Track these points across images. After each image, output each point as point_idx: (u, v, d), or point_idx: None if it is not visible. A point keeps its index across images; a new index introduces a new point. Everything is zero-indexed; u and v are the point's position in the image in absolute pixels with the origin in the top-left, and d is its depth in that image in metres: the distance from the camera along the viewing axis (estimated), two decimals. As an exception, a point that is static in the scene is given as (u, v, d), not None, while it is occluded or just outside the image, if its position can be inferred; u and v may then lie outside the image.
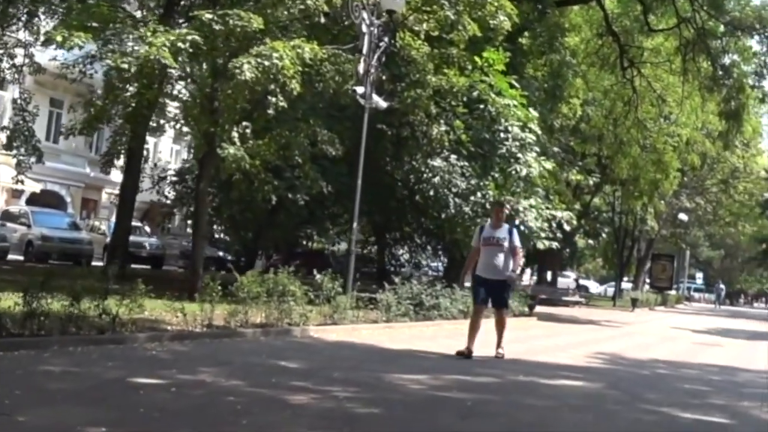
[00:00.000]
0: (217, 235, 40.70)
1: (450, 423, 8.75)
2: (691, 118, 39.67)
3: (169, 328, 14.69)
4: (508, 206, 23.71)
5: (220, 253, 41.99)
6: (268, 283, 17.10)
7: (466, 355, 14.88)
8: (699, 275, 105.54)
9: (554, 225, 29.79)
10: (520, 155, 26.07)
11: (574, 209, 40.82)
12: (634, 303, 49.81)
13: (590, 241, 63.59)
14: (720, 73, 34.27)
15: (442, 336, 19.84)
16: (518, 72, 28.86)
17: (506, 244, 15.21)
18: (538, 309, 36.24)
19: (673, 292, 73.53)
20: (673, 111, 39.23)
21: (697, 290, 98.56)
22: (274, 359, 12.45)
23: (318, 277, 19.28)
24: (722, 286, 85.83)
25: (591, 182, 40.75)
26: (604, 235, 62.53)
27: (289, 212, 31.28)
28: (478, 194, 25.68)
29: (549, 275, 55.62)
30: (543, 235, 28.90)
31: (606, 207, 59.74)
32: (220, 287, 15.60)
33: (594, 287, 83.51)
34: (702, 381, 15.27)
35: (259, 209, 30.00)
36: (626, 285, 66.61)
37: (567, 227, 30.75)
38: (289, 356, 12.98)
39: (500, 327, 15.70)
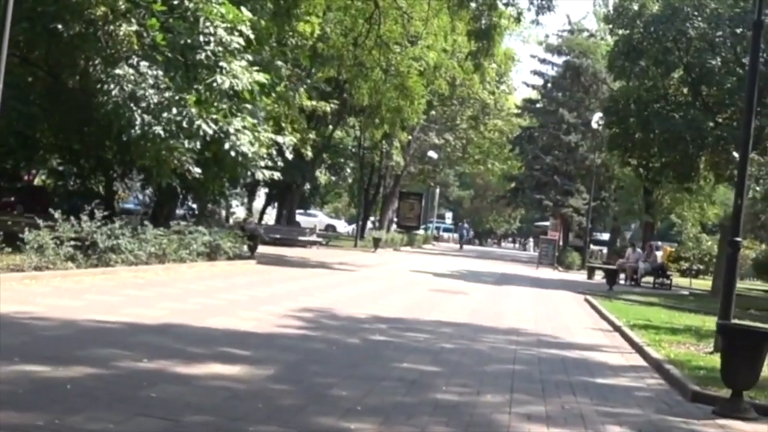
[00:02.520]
0: None
1: None
2: (438, 39, 35.83)
3: None
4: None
5: None
6: None
7: None
8: (449, 215, 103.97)
9: (275, 153, 25.16)
10: (224, 63, 21.01)
11: (309, 139, 36.41)
12: (377, 243, 45.96)
13: (333, 177, 59.37)
14: (470, -12, 30.38)
15: (103, 288, 14.90)
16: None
17: None
18: (269, 250, 32.05)
19: (421, 232, 70.71)
20: (419, 31, 35.16)
21: (446, 230, 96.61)
22: None
23: None
24: (466, 225, 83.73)
25: (329, 109, 36.21)
26: (349, 170, 58.53)
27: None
28: (174, 110, 20.55)
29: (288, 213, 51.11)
30: (262, 163, 24.24)
31: (352, 141, 55.59)
32: None
33: (342, 227, 79.66)
34: (430, 354, 10.96)
35: None
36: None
37: (289, 155, 26.08)
38: None
39: None
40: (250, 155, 22.96)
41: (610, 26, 35.36)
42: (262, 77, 21.60)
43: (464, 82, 52.93)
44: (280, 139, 25.14)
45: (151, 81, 20.73)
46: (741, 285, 42.32)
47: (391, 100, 34.45)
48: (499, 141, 66.27)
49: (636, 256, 36.31)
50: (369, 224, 61.73)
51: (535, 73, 61.61)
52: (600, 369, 11.14)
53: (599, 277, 37.05)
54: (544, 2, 29.13)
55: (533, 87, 63.35)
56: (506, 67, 61.27)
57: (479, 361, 10.72)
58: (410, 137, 56.57)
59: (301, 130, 35.12)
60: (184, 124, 20.59)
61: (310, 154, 36.84)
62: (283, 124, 33.35)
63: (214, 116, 21.48)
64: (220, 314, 12.71)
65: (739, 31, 30.28)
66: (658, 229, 56.50)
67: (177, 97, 20.77)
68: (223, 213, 32.76)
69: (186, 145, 20.77)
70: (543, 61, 60.94)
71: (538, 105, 61.68)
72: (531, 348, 12.64)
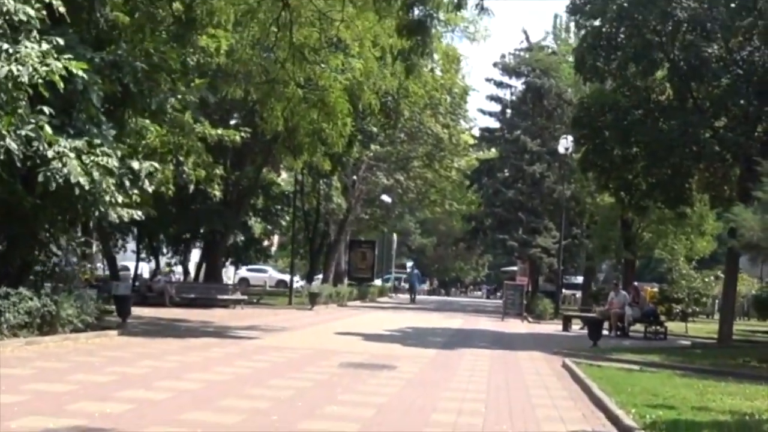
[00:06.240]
0: None
1: None
2: (366, 43, 29.15)
3: None
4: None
5: None
6: None
7: None
8: (410, 264, 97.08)
9: (129, 183, 18.24)
10: (5, 44, 14.09)
11: (216, 176, 29.59)
12: (313, 299, 38.82)
13: (269, 227, 52.09)
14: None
15: None
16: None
17: None
18: (170, 314, 26.04)
19: (378, 283, 63.75)
20: (342, 35, 28.47)
21: (407, 281, 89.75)
22: None
23: None
24: (416, 272, 75.07)
25: (238, 138, 29.34)
26: (288, 218, 51.42)
27: None
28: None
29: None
30: (114, 199, 17.47)
31: (287, 185, 48.50)
32: None
33: (295, 282, 72.45)
34: None
35: None
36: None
37: (150, 186, 19.11)
38: None
39: None
40: (87, 186, 16.23)
41: (577, 17, 28.58)
42: (73, 65, 14.67)
43: (414, 114, 46.67)
44: (135, 164, 18.31)
45: None
46: (738, 326, 35.93)
47: (308, 121, 27.82)
48: (457, 179, 59.62)
49: (621, 300, 29.62)
50: (319, 278, 54.63)
51: (492, 98, 54.97)
52: None
53: (576, 327, 30.49)
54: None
55: (490, 114, 56.72)
56: (461, 98, 54.93)
57: None
58: (355, 177, 49.92)
59: (205, 164, 28.35)
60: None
61: (218, 193, 29.94)
62: (181, 158, 26.93)
63: (24, 132, 14.77)
64: None
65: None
66: (635, 269, 49.80)
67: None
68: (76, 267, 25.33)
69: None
70: (500, 84, 54.13)
71: (497, 134, 55.03)
72: None
